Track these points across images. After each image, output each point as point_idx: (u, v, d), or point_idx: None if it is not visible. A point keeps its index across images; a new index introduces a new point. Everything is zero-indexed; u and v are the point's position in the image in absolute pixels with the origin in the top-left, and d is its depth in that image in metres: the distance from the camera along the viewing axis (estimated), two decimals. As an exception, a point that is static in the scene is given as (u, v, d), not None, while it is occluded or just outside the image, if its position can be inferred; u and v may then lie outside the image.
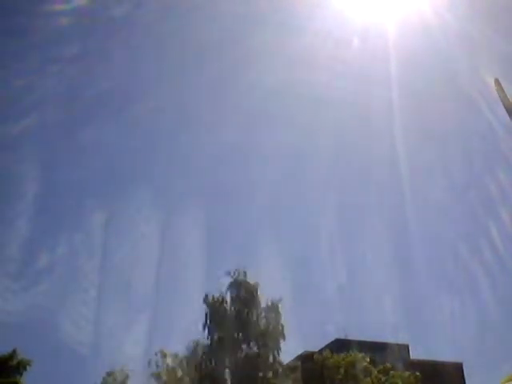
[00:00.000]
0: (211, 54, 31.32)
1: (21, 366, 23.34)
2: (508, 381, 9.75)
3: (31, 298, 32.62)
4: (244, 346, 28.83)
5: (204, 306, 29.40)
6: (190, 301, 32.55)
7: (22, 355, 23.54)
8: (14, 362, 23.30)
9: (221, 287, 30.01)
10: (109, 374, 29.07)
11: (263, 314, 29.64)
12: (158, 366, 29.27)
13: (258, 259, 33.78)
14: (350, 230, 37.69)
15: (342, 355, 28.30)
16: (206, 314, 29.32)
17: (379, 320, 34.67)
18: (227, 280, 30.10)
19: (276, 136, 34.90)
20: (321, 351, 30.68)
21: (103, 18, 28.09)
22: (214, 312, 29.42)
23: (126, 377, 29.32)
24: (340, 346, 31.14)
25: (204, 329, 29.08)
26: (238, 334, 28.94)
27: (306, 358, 31.94)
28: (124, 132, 37.19)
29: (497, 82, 7.78)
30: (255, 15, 26.83)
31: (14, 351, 23.49)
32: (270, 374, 28.40)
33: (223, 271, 30.41)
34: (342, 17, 21.74)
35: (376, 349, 32.12)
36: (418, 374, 28.57)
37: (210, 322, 29.29)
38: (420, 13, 17.63)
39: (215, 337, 29.05)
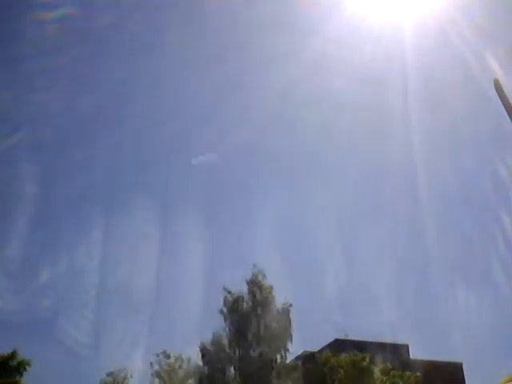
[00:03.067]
0: (215, 58, 31.10)
1: (21, 366, 23.27)
2: (508, 381, 9.75)
3: (31, 298, 32.64)
4: (255, 346, 29.46)
5: (221, 303, 30.29)
6: (193, 300, 32.68)
7: (22, 355, 23.50)
8: (15, 362, 23.24)
9: (230, 286, 30.71)
10: (108, 375, 29.18)
11: (275, 317, 30.22)
12: (159, 365, 29.55)
13: (259, 259, 33.80)
14: (351, 229, 37.76)
15: (343, 355, 28.28)
16: (223, 310, 30.19)
17: (379, 320, 34.67)
18: (230, 278, 30.74)
19: (289, 138, 34.78)
20: (321, 351, 30.68)
21: (94, 25, 27.59)
22: (232, 309, 30.20)
23: (126, 377, 29.38)
24: (340, 345, 31.10)
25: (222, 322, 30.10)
26: (250, 333, 29.64)
27: (305, 358, 31.95)
28: (122, 141, 36.96)
29: (497, 81, 7.78)
30: (268, 18, 26.62)
31: (15, 351, 23.45)
32: (274, 375, 28.71)
33: (226, 272, 31.00)
34: (356, 19, 21.61)
35: (376, 349, 32.05)
36: (418, 374, 28.57)
37: (226, 318, 30.13)
38: (435, 15, 17.50)
39: (231, 331, 29.92)
